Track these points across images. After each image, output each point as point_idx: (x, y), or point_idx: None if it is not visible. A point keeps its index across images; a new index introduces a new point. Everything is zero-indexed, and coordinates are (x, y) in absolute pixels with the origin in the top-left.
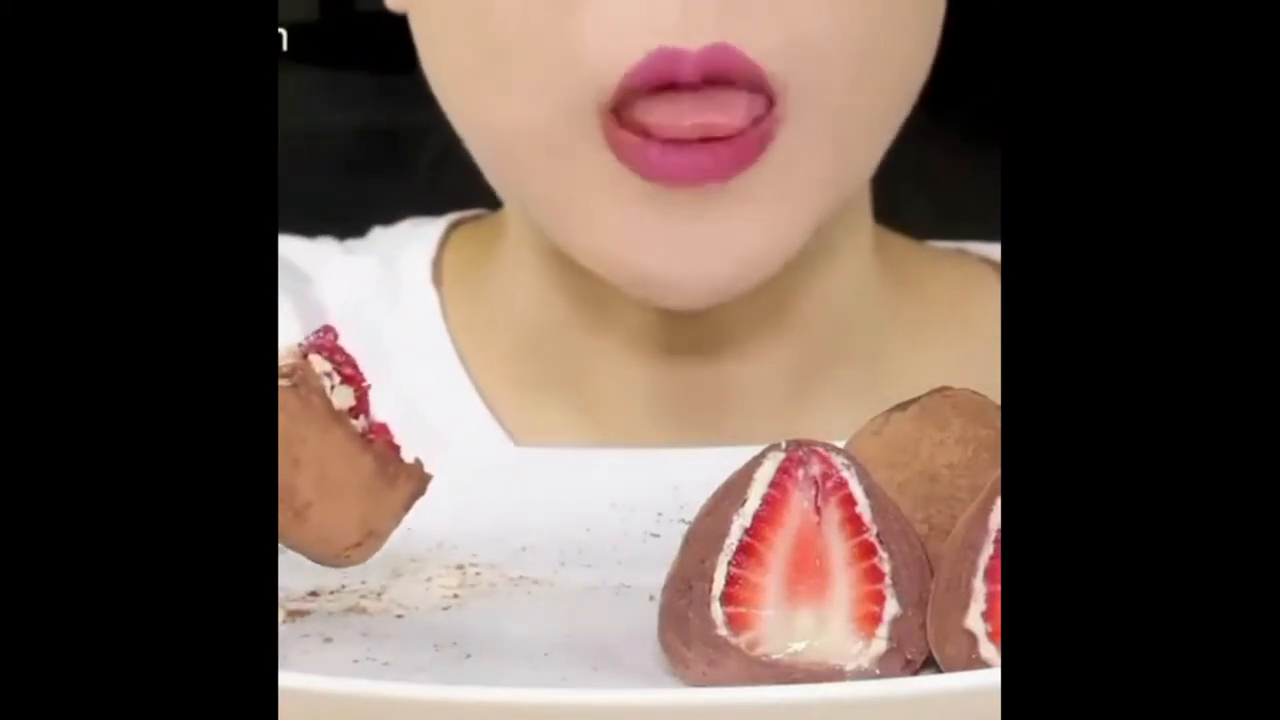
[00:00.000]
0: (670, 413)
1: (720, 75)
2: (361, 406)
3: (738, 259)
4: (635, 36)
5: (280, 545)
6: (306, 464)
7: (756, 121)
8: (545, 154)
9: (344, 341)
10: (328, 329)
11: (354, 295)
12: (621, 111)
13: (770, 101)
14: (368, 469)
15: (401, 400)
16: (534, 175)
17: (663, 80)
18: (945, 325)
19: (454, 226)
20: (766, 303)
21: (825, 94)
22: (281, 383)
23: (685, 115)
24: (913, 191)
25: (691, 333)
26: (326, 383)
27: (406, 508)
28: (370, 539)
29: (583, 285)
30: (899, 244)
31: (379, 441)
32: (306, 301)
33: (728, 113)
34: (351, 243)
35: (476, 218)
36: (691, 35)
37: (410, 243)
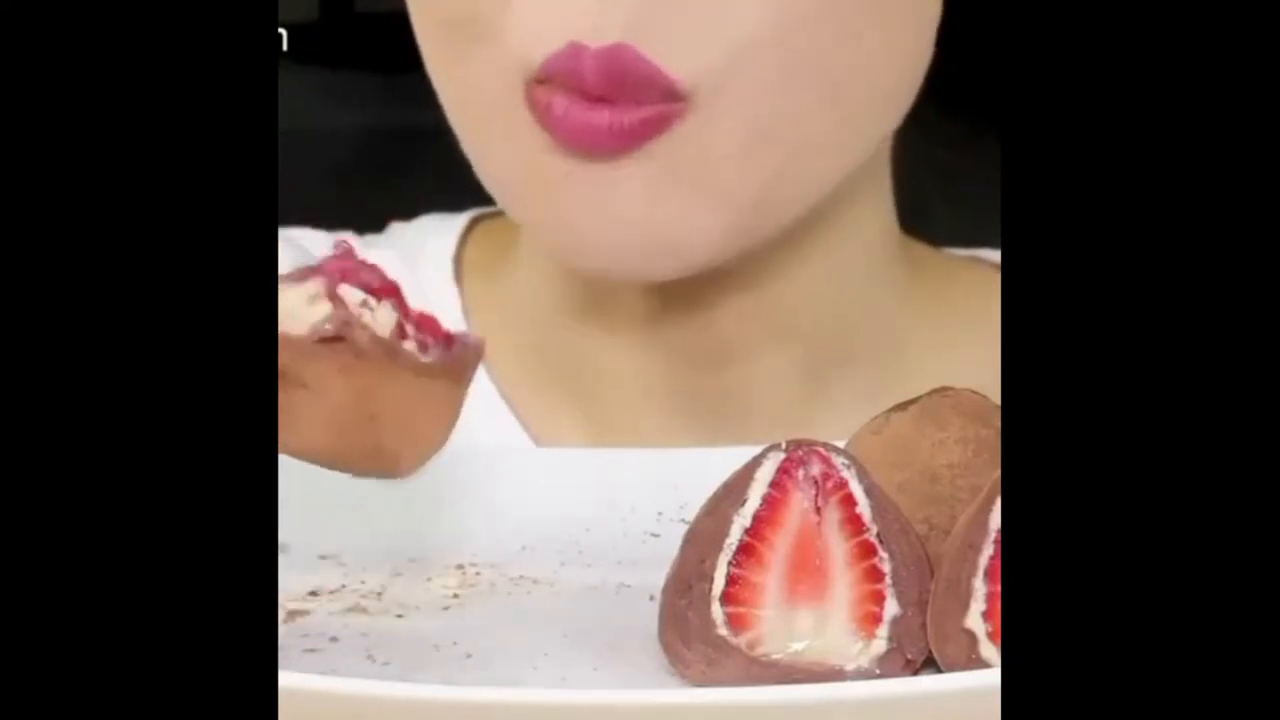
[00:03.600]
0: (682, 415)
1: (618, 76)
2: (404, 320)
3: (650, 230)
4: (554, 30)
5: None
6: (385, 417)
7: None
8: (483, 124)
9: (361, 250)
10: (341, 243)
11: None
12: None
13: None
14: (439, 390)
15: None
16: (480, 148)
17: (569, 73)
18: (960, 329)
19: (474, 222)
20: (774, 304)
21: (741, 104)
22: (327, 334)
23: (585, 112)
24: (944, 202)
25: (701, 335)
26: (367, 314)
27: (468, 386)
28: (444, 443)
29: (590, 283)
30: (915, 248)
31: (434, 346)
32: None
33: (622, 115)
34: (370, 237)
35: (497, 214)
36: (601, 34)
37: (431, 237)
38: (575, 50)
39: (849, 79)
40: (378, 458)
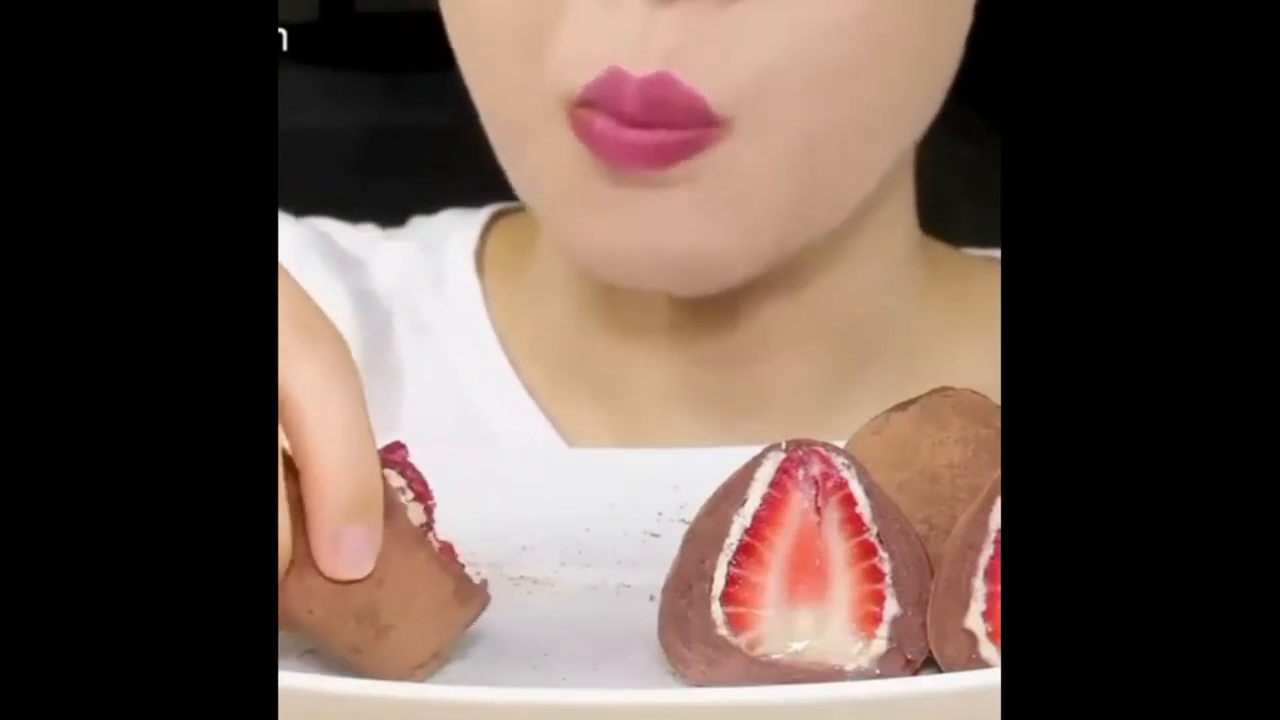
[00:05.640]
0: (701, 414)
1: (659, 103)
2: (429, 524)
3: (687, 243)
4: (595, 56)
5: (353, 664)
6: (391, 584)
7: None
8: (523, 140)
9: (414, 457)
10: (398, 445)
11: (399, 279)
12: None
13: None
14: (448, 590)
15: (446, 386)
16: (519, 161)
17: (610, 98)
18: (975, 331)
19: (496, 217)
20: (796, 304)
21: (778, 125)
22: None
23: (625, 133)
24: (966, 200)
25: (722, 334)
26: (401, 499)
27: (467, 627)
28: (434, 660)
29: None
30: (934, 248)
31: (453, 562)
32: (359, 288)
33: (663, 136)
34: (393, 230)
35: (518, 209)
36: (642, 62)
37: (453, 231)
38: (618, 77)
39: (881, 96)
40: (371, 618)
